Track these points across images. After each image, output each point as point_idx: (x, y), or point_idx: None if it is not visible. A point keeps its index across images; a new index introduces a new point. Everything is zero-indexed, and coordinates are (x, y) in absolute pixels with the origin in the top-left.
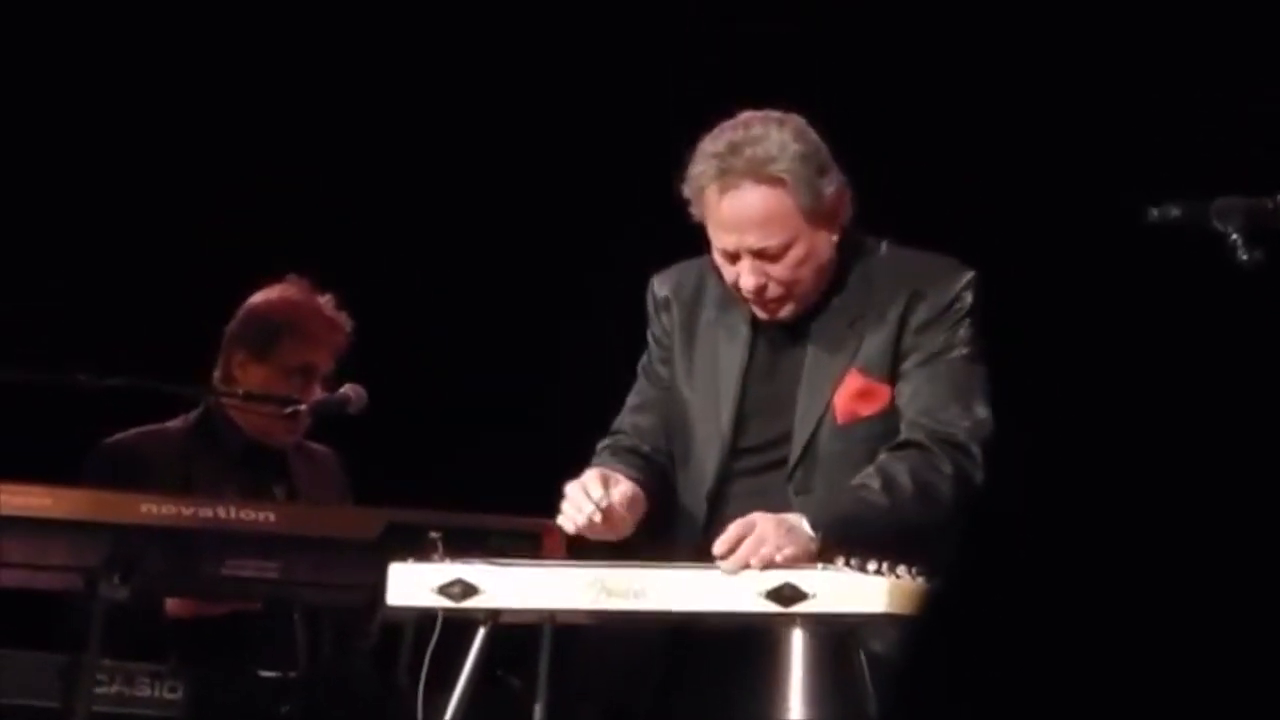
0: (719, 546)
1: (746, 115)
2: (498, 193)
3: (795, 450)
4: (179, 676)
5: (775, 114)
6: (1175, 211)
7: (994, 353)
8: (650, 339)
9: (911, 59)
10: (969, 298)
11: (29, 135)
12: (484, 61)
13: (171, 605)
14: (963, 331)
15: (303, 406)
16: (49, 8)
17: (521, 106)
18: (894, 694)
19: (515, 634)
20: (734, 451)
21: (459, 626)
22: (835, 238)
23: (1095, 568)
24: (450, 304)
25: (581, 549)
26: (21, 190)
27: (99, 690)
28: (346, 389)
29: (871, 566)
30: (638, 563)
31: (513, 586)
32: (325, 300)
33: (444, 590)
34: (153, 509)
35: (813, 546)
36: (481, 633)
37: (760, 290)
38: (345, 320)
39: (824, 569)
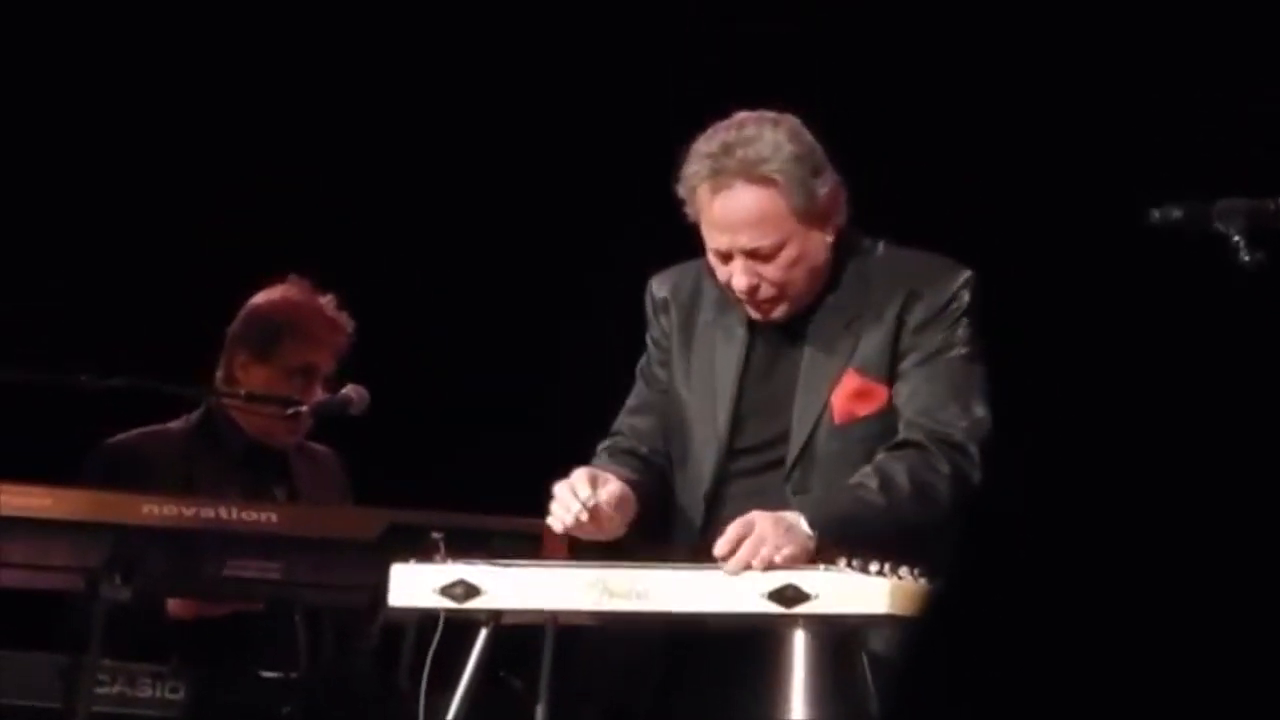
0: (720, 548)
1: (741, 115)
2: (498, 193)
3: (793, 450)
4: (180, 677)
5: (770, 114)
6: (1177, 213)
7: (995, 354)
8: (649, 341)
9: (912, 59)
10: (966, 297)
11: (30, 135)
12: (484, 62)
13: (173, 606)
14: (960, 331)
15: (304, 407)
16: (49, 8)
17: (521, 107)
18: (896, 694)
19: (517, 635)
20: (731, 452)
21: (460, 627)
22: (830, 238)
23: (1095, 568)
24: (451, 304)
25: (584, 550)
26: (23, 190)
27: (100, 691)
28: (348, 390)
29: (873, 568)
30: (639, 563)
31: (514, 587)
32: (326, 301)
33: (446, 591)
34: (154, 509)
35: (811, 545)
36: (483, 633)
37: (753, 291)
38: (346, 321)
39: (826, 570)
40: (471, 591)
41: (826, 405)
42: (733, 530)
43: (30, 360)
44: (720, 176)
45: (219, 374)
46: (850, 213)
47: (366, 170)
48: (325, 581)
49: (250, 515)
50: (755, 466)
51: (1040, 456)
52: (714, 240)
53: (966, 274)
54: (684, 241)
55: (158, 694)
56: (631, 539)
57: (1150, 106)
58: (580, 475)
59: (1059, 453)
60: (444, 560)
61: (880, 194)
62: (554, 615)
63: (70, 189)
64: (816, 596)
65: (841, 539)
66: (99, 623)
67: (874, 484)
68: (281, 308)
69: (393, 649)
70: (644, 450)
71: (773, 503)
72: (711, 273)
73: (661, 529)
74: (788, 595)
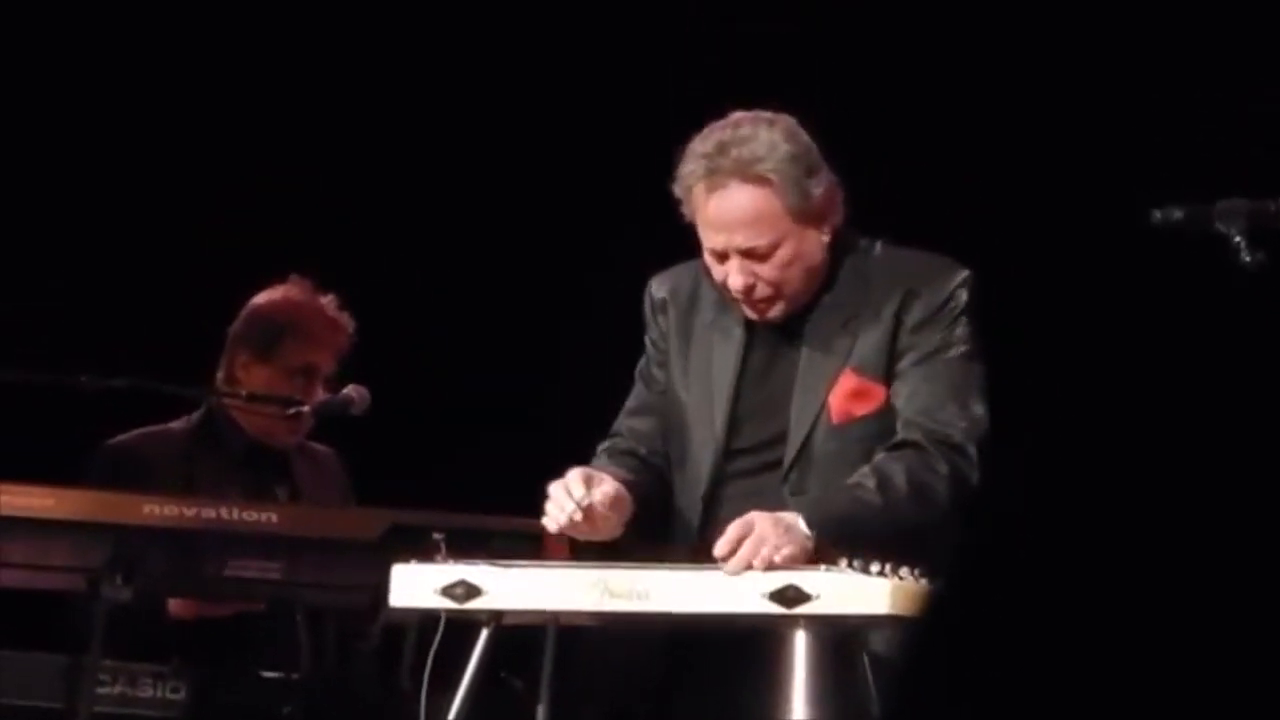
0: (720, 548)
1: (737, 115)
2: (498, 193)
3: (790, 451)
4: (181, 677)
5: (766, 114)
6: (1178, 213)
7: (996, 354)
8: (648, 342)
9: (912, 59)
10: (964, 296)
11: (31, 136)
12: (484, 62)
13: (174, 606)
14: (959, 330)
15: (305, 407)
16: (49, 8)
17: (522, 107)
18: (897, 695)
19: (518, 635)
20: (728, 453)
21: (462, 628)
22: (826, 238)
23: (1096, 569)
24: (452, 305)
25: (584, 551)
26: (24, 191)
27: (101, 691)
28: (349, 390)
29: (875, 568)
30: (641, 564)
31: (516, 588)
32: (327, 301)
33: (447, 591)
34: (155, 510)
35: (809, 545)
36: (484, 634)
37: (749, 290)
38: (347, 321)
39: (827, 570)
40: (472, 592)
41: (824, 405)
42: (732, 530)
43: (31, 361)
44: (715, 176)
45: (220, 374)
46: (849, 212)
47: (367, 171)
48: (326, 582)
49: (251, 515)
50: (753, 467)
51: (1041, 457)
52: (710, 240)
53: (964, 273)
54: (684, 242)
55: (159, 694)
56: (630, 540)
57: (1151, 107)
58: (575, 475)
59: (1060, 453)
60: (445, 560)
61: (881, 194)
62: (555, 616)
63: (70, 189)
64: (818, 597)
65: (839, 539)
66: (100, 623)
67: (872, 484)
68: (283, 308)
69: (394, 649)
70: (643, 451)
71: (770, 503)
72: (709, 273)
73: (660, 530)
74: (789, 596)
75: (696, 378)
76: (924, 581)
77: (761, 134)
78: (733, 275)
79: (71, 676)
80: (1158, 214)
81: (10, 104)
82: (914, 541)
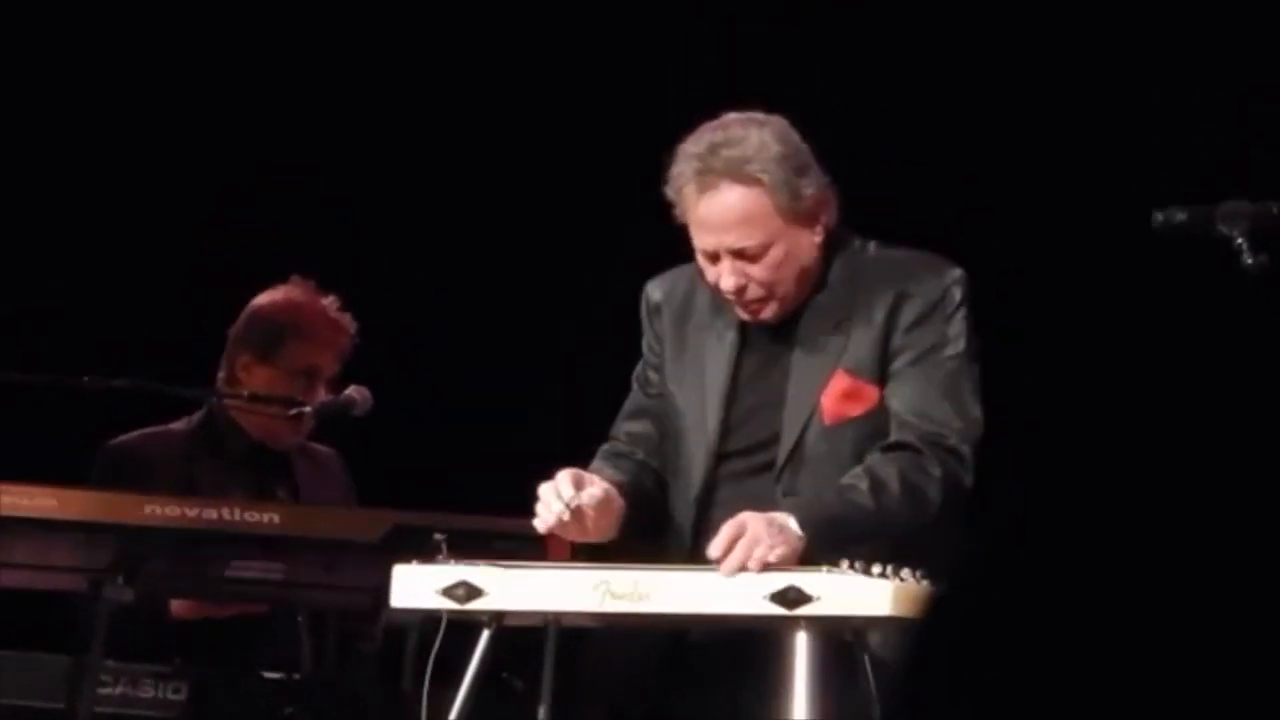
0: (714, 549)
1: (728, 116)
2: (499, 194)
3: (782, 452)
4: (183, 678)
5: (758, 115)
6: (1180, 215)
7: (996, 355)
8: (644, 345)
9: (912, 59)
10: (957, 294)
11: (32, 136)
12: (484, 62)
13: (176, 606)
14: (952, 329)
15: (307, 408)
16: (49, 8)
17: (522, 107)
18: (897, 696)
19: (519, 636)
20: (721, 455)
21: (463, 628)
22: (818, 238)
23: (1097, 570)
24: (453, 305)
25: (582, 552)
26: (25, 191)
27: (103, 691)
28: (351, 391)
29: (876, 569)
30: (642, 565)
31: (517, 589)
32: (329, 302)
33: (448, 592)
34: (157, 510)
35: (800, 546)
36: (485, 635)
37: (741, 291)
38: (349, 322)
39: (828, 572)
40: (474, 593)
41: (816, 406)
42: (726, 531)
43: (33, 361)
44: (706, 176)
45: (221, 375)
46: (843, 213)
47: (367, 171)
48: (328, 582)
49: (253, 516)
50: (746, 469)
51: (1042, 458)
52: (701, 240)
53: (957, 272)
54: (684, 242)
55: (160, 695)
56: (626, 541)
57: (1153, 109)
58: (564, 476)
59: (1061, 454)
60: (446, 561)
61: (881, 194)
62: (556, 617)
63: (71, 189)
64: (819, 598)
65: (831, 540)
66: (102, 623)
67: (864, 485)
68: (284, 309)
69: (395, 650)
70: (639, 454)
71: (763, 505)
72: (704, 275)
73: (655, 531)
74: (790, 597)
75: (690, 381)
76: (925, 583)
77: (752, 134)
78: (724, 276)
79: (73, 677)
80: (1160, 216)
81: (11, 104)
82: (905, 543)
